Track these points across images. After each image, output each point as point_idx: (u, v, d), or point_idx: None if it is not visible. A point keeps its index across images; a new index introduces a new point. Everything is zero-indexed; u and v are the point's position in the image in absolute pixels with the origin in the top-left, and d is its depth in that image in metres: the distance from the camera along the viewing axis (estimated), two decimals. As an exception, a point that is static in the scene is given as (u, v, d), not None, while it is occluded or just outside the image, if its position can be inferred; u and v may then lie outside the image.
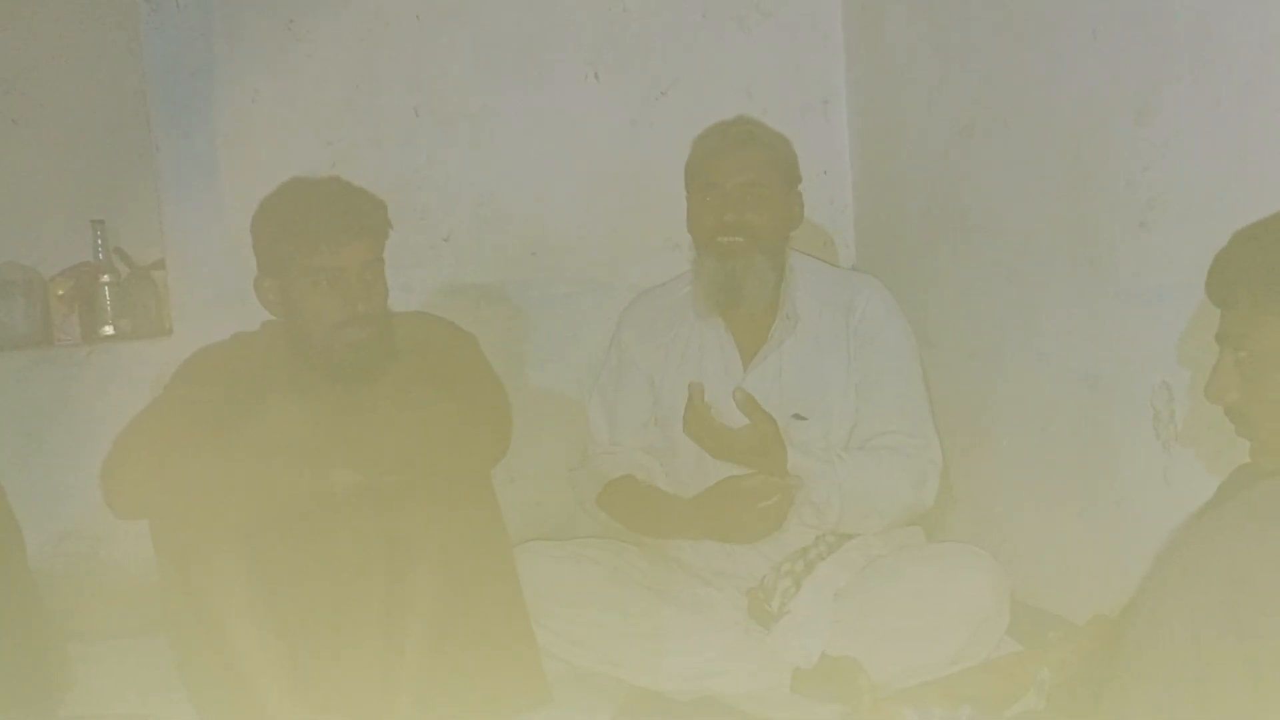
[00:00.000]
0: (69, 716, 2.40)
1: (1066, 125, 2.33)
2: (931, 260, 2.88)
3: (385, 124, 3.08)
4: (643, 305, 2.74)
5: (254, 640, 2.11)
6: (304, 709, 2.12)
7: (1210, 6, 1.94)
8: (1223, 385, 1.55)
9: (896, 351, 2.54)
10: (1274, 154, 1.85)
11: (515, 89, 3.12)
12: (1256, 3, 1.85)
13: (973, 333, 2.74)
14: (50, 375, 3.01)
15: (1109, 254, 2.26)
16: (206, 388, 2.24)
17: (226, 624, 2.10)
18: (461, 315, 2.84)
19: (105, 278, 3.16)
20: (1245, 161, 1.91)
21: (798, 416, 2.51)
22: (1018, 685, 2.14)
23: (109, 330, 3.15)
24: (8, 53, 3.31)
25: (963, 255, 2.74)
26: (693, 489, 2.52)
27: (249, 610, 2.10)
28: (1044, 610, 2.49)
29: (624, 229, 3.15)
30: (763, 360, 2.54)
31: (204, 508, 2.10)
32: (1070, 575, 2.46)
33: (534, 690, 2.29)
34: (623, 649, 2.38)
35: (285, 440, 2.12)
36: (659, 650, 2.35)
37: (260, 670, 2.11)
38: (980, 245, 2.68)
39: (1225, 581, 1.27)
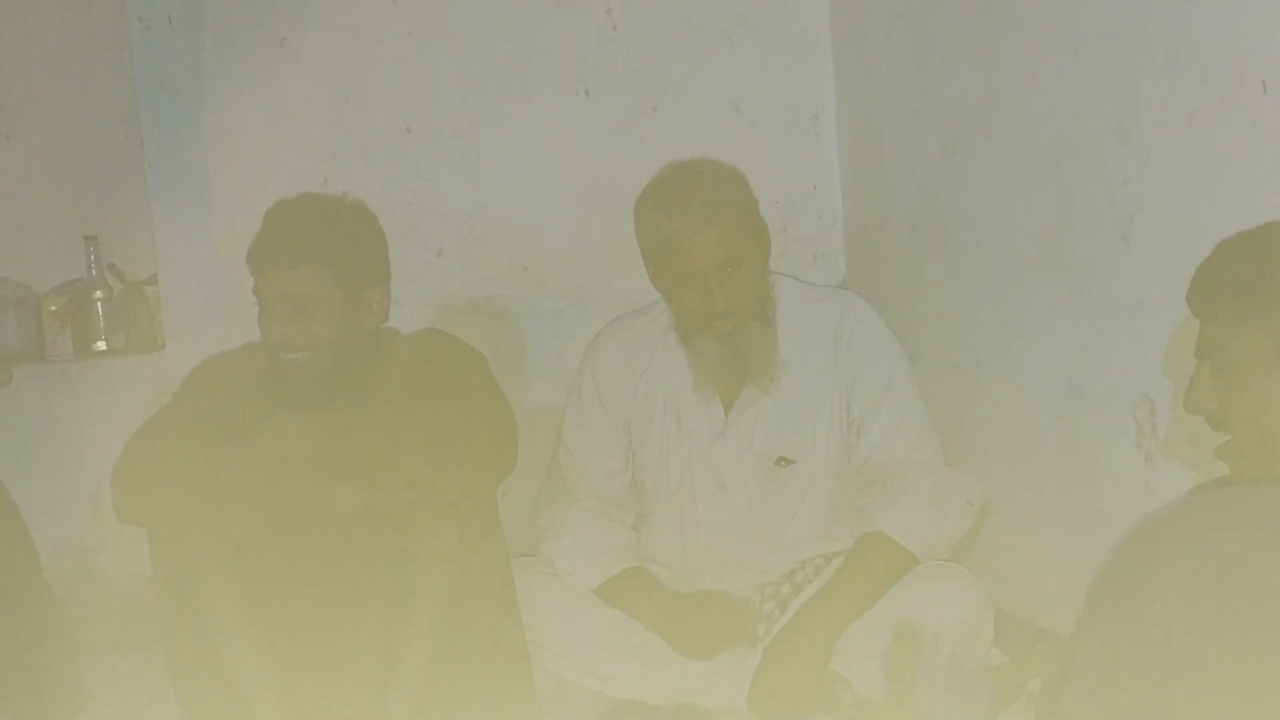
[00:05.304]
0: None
1: (1047, 140, 2.35)
2: (917, 273, 2.89)
3: (376, 140, 3.10)
4: (613, 340, 2.55)
5: (249, 654, 2.13)
6: (298, 724, 2.14)
7: (1185, 23, 1.97)
8: (1201, 396, 1.56)
9: (891, 375, 2.41)
10: (1249, 167, 1.87)
11: (505, 105, 3.14)
12: (1229, 18, 1.88)
13: (957, 345, 2.76)
14: (43, 391, 3.02)
15: (1090, 267, 2.28)
16: (216, 397, 2.27)
17: (222, 637, 2.12)
18: (451, 330, 2.85)
19: (98, 293, 3.18)
20: (1221, 175, 1.93)
21: (783, 461, 2.41)
22: (1005, 698, 2.15)
23: (101, 346, 3.17)
24: (0, 70, 3.33)
25: (947, 268, 2.76)
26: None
27: (245, 623, 2.12)
28: (1028, 622, 2.51)
29: (614, 244, 3.13)
30: (745, 408, 2.42)
31: (206, 519, 2.12)
32: (1054, 586, 2.46)
33: (523, 710, 2.30)
34: (609, 664, 2.38)
35: (290, 455, 2.14)
36: (646, 665, 2.35)
37: (255, 684, 2.12)
38: (963, 258, 2.70)
39: (1171, 591, 1.29)
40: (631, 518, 2.54)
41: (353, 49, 3.08)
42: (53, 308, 3.15)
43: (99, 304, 3.17)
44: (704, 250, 2.27)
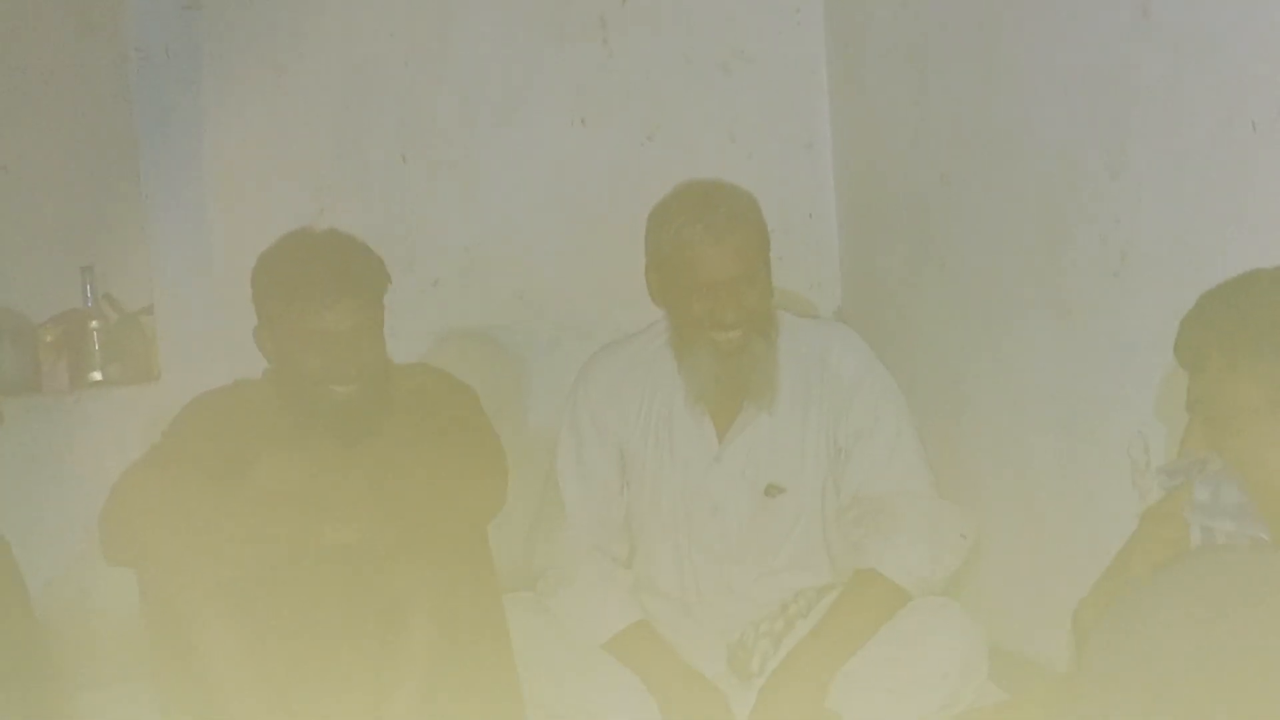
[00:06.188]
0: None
1: (1041, 175, 2.36)
2: (913, 303, 2.90)
3: (373, 171, 3.10)
4: (605, 365, 2.53)
5: (240, 693, 2.12)
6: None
7: (1176, 64, 1.98)
8: (1195, 446, 1.57)
9: (880, 405, 2.41)
10: (1240, 207, 1.88)
11: (502, 135, 3.15)
12: (1219, 60, 1.89)
13: (953, 377, 2.76)
14: (38, 421, 3.01)
15: (1083, 303, 2.29)
16: (205, 436, 2.27)
17: (213, 676, 2.12)
18: (449, 360, 2.86)
19: (94, 323, 3.16)
20: (1212, 217, 1.94)
21: (773, 489, 2.42)
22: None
23: (97, 376, 3.16)
24: (-3, 99, 3.34)
25: (942, 300, 2.77)
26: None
27: (235, 662, 2.11)
28: (1024, 656, 2.50)
29: (611, 273, 3.16)
30: (739, 433, 2.42)
31: (197, 559, 2.12)
32: (1051, 622, 2.46)
33: None
34: (605, 700, 2.37)
35: (281, 493, 2.14)
36: (639, 704, 2.34)
37: (247, 723, 2.12)
38: (959, 290, 2.70)
39: (1163, 634, 1.29)
40: (627, 549, 2.54)
41: (350, 80, 3.09)
42: (49, 338, 3.14)
43: (95, 334, 3.16)
44: (722, 259, 2.28)
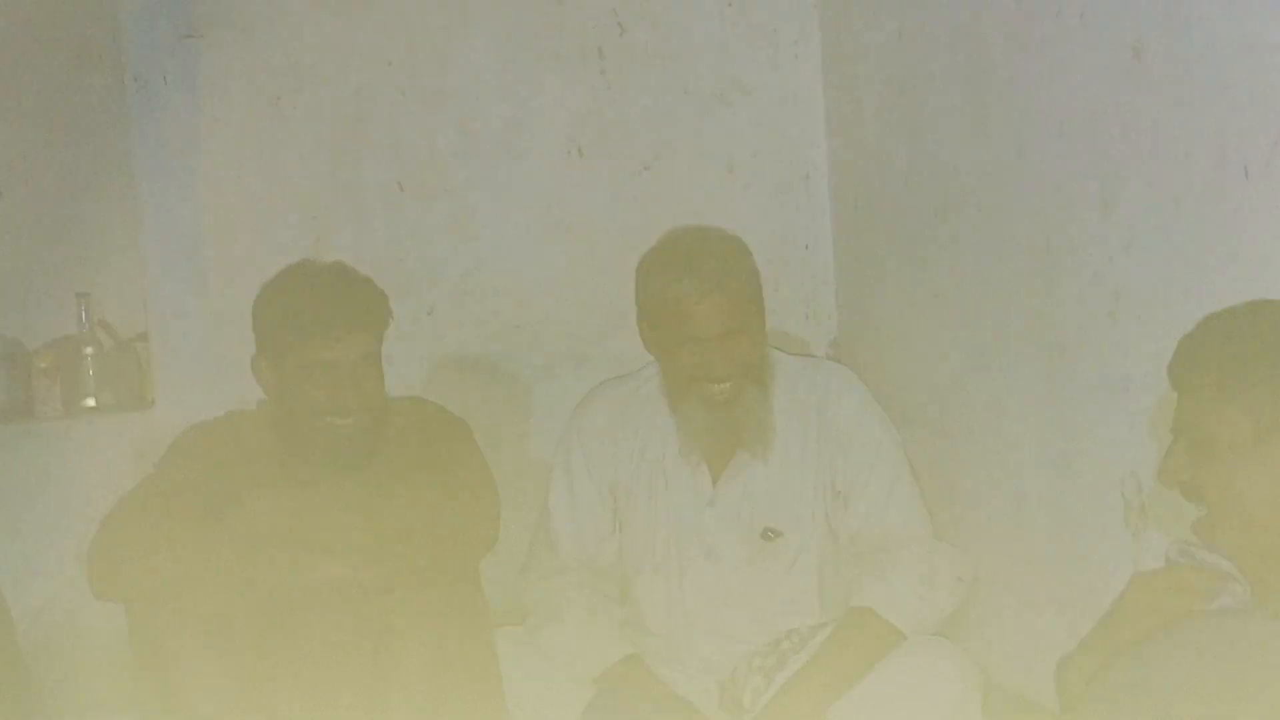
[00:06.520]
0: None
1: (1034, 213, 2.36)
2: (909, 336, 2.90)
3: (369, 199, 3.11)
4: (599, 405, 2.54)
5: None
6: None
7: (1169, 109, 1.98)
8: (1175, 468, 1.55)
9: (878, 447, 2.41)
10: (1233, 251, 1.88)
11: (498, 164, 3.15)
12: (1212, 107, 1.89)
13: (947, 412, 2.75)
14: (31, 447, 3.02)
15: (1077, 342, 2.28)
16: (196, 470, 2.26)
17: (201, 713, 2.11)
18: (444, 388, 2.87)
19: (88, 350, 3.17)
20: (1206, 257, 1.93)
21: (770, 533, 2.41)
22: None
23: (91, 402, 3.16)
24: (-5, 126, 3.35)
25: (937, 335, 2.76)
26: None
27: (224, 700, 2.11)
28: (1020, 695, 2.49)
29: (607, 303, 3.16)
30: (734, 477, 2.42)
31: (186, 595, 2.12)
32: (1044, 659, 2.44)
33: None
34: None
35: (271, 530, 2.14)
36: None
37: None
38: (953, 325, 2.70)
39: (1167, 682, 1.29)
40: (619, 587, 2.53)
41: (347, 108, 3.10)
42: (43, 364, 3.15)
43: (89, 360, 3.17)
44: (710, 315, 2.27)
